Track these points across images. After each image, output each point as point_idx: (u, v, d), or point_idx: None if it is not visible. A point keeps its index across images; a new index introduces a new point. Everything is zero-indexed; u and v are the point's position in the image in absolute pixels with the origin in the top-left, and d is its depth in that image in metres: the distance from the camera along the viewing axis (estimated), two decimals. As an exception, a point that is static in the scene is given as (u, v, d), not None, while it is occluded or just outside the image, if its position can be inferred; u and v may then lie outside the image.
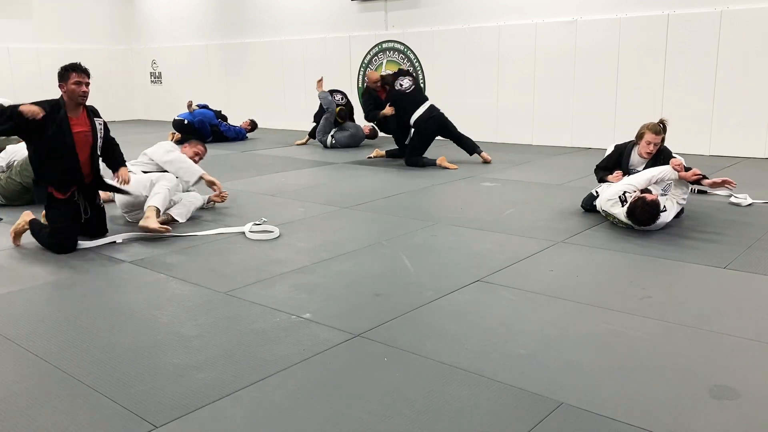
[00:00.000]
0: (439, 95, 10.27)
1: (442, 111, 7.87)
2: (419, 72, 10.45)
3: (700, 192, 5.73)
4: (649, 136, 4.89)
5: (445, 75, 10.16)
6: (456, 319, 3.10)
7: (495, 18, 9.48)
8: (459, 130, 7.99)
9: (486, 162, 7.82)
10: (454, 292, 3.44)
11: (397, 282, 3.66)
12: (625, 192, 4.55)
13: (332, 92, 9.72)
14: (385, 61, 10.89)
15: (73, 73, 4.26)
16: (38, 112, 4.11)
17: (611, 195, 4.61)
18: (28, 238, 4.56)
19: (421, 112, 7.68)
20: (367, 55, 11.08)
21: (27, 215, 4.55)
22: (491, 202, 5.69)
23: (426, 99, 7.96)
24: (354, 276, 3.79)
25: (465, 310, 3.21)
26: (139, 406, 2.35)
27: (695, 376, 2.48)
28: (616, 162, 5.13)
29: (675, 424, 2.16)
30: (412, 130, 7.72)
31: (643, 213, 4.39)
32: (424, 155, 7.73)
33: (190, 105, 10.72)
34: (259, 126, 11.44)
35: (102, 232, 4.67)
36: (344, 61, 11.34)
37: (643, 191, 4.57)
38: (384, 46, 10.84)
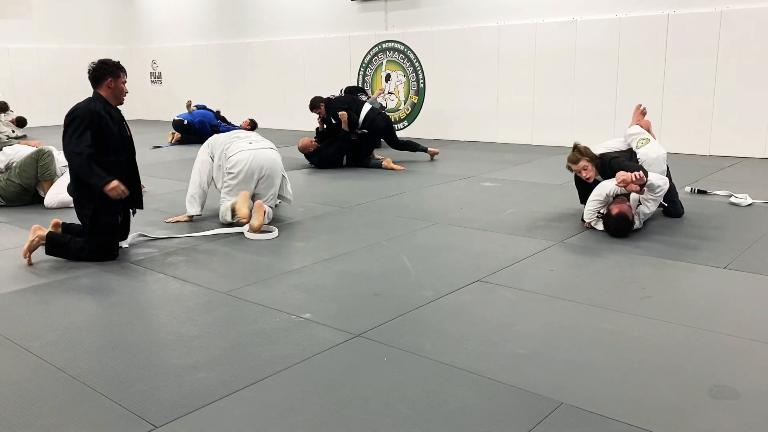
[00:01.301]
0: (439, 95, 10.32)
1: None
2: (419, 72, 10.46)
3: (700, 192, 5.73)
4: (572, 168, 4.80)
5: (445, 75, 10.16)
6: (456, 319, 3.10)
7: (495, 18, 9.48)
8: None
9: (433, 155, 8.16)
10: (454, 292, 3.44)
11: (397, 282, 3.66)
12: (598, 210, 4.54)
13: (356, 90, 9.71)
14: (385, 61, 10.89)
15: (122, 73, 4.22)
16: (123, 194, 4.08)
17: (589, 218, 4.61)
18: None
19: (367, 110, 7.77)
20: (367, 55, 11.08)
21: (39, 229, 4.18)
22: (491, 202, 5.69)
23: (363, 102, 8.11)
24: (354, 276, 3.79)
25: (465, 310, 3.21)
26: (139, 406, 2.35)
27: (695, 376, 2.48)
28: (586, 188, 4.87)
29: (675, 424, 2.16)
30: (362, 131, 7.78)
31: (614, 229, 4.40)
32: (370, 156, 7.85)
33: (189, 105, 10.74)
34: (258, 126, 11.44)
35: (124, 236, 4.48)
36: (344, 61, 11.34)
37: (615, 198, 4.51)
38: (384, 46, 10.84)
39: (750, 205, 5.26)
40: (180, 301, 3.43)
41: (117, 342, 2.93)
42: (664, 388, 2.40)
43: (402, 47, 10.60)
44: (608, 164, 4.66)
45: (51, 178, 5.92)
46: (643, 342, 2.80)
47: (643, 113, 5.18)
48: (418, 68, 10.46)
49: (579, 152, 4.73)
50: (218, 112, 11.05)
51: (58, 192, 5.84)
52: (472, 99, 9.86)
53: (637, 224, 4.49)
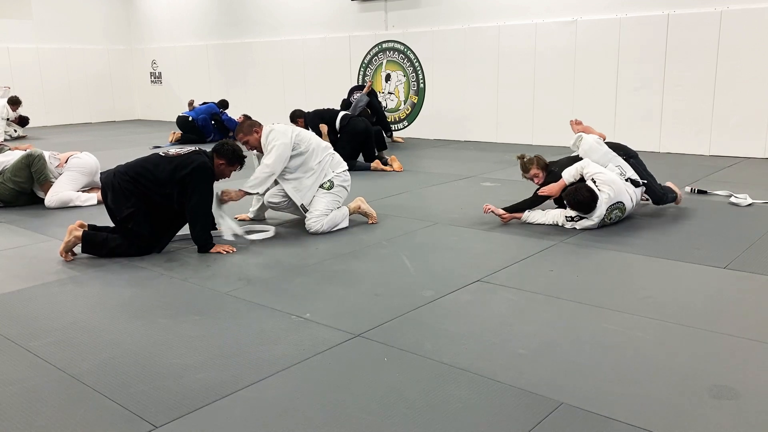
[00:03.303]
0: (439, 95, 10.32)
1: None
2: (419, 72, 10.46)
3: (700, 192, 5.73)
4: (525, 176, 5.11)
5: (445, 75, 10.16)
6: (456, 319, 3.10)
7: (495, 18, 9.48)
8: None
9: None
10: (454, 292, 3.44)
11: (397, 282, 3.66)
12: (564, 216, 4.68)
13: (355, 88, 9.74)
14: (385, 61, 10.89)
15: (238, 167, 4.50)
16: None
17: (562, 221, 4.71)
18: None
19: (342, 114, 7.80)
20: (367, 55, 11.08)
21: (75, 229, 4.20)
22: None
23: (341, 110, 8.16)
24: (354, 276, 3.79)
25: (465, 310, 3.21)
26: (139, 406, 2.35)
27: (695, 376, 2.48)
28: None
29: (675, 424, 2.16)
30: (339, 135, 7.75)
31: (573, 204, 4.51)
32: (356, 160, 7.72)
33: (191, 104, 10.76)
34: (258, 126, 11.45)
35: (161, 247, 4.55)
36: (344, 61, 11.35)
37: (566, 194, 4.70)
38: (384, 46, 10.84)
39: (750, 205, 5.26)
40: (180, 301, 3.43)
41: (117, 342, 2.93)
42: (664, 388, 2.40)
43: (402, 47, 10.60)
44: (552, 173, 4.96)
45: (47, 180, 5.89)
46: (643, 342, 2.80)
47: (578, 123, 5.33)
48: (418, 68, 10.46)
49: (529, 162, 5.04)
50: (221, 102, 11.01)
51: (57, 191, 5.84)
52: (472, 99, 9.86)
53: (601, 205, 4.50)
